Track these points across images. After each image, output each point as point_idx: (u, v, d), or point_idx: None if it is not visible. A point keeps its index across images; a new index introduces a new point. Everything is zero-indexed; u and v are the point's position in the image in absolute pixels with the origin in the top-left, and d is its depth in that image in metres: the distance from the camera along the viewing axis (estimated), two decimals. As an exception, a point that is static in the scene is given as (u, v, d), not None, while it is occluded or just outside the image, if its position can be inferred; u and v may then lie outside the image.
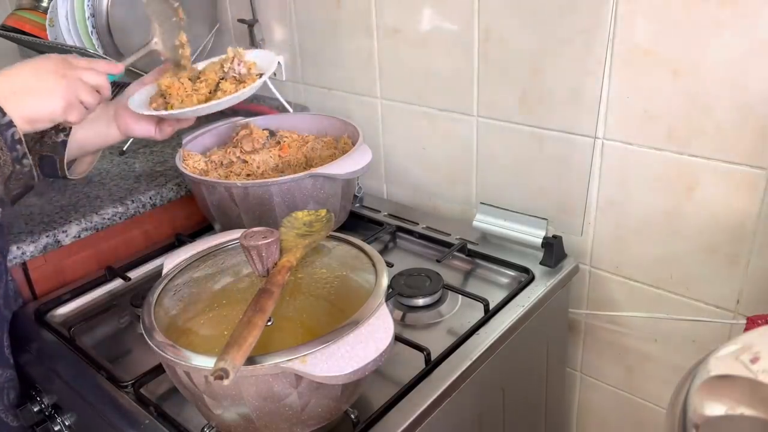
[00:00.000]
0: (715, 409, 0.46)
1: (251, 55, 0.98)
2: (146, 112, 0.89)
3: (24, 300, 1.00)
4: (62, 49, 1.31)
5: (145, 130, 0.92)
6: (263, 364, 0.57)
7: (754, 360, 0.47)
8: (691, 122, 0.84)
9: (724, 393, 0.46)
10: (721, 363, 0.48)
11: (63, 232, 0.98)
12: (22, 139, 0.68)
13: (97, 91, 0.78)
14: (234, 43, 1.39)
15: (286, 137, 1.12)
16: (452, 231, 1.06)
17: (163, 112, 0.88)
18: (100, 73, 0.79)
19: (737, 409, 0.45)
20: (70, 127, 0.87)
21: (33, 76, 0.72)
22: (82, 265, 1.05)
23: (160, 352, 0.61)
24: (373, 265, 0.71)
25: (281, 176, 0.96)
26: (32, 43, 1.39)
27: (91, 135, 0.90)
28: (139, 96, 0.93)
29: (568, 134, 0.95)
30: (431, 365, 0.77)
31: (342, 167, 0.94)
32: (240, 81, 0.94)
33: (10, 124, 0.67)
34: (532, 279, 0.93)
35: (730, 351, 0.49)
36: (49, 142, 0.87)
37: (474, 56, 1.01)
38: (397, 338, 0.77)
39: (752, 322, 0.81)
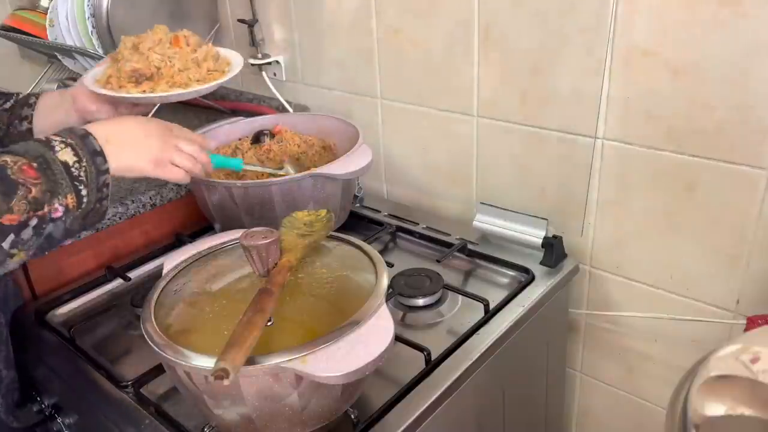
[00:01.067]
0: (715, 409, 0.46)
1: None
2: (103, 91, 0.86)
3: (24, 300, 1.00)
4: (62, 49, 1.31)
5: (104, 111, 0.89)
6: (263, 364, 0.57)
7: (754, 360, 0.47)
8: (691, 122, 0.84)
9: (724, 393, 0.46)
10: (721, 363, 0.48)
11: (63, 232, 0.98)
12: (110, 184, 0.71)
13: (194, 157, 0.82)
14: (234, 44, 1.39)
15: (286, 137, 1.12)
16: (452, 231, 1.06)
17: (126, 95, 0.86)
18: (195, 142, 0.83)
19: (737, 409, 0.45)
20: (32, 115, 0.88)
21: (141, 133, 0.77)
22: (82, 265, 1.05)
23: (160, 352, 0.61)
24: (373, 265, 0.71)
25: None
26: (32, 43, 1.39)
27: (48, 124, 0.88)
28: (94, 72, 0.90)
29: (568, 134, 0.95)
30: (431, 365, 0.77)
31: (342, 167, 0.94)
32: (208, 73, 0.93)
33: (106, 171, 0.70)
34: (532, 279, 0.93)
35: (730, 351, 0.49)
36: (15, 132, 0.87)
37: (474, 56, 1.01)
38: (397, 338, 0.77)
39: (752, 322, 0.81)
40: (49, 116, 0.89)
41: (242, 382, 0.59)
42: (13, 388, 0.90)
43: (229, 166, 0.96)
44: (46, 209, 0.63)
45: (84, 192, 0.67)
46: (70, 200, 0.66)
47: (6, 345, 0.89)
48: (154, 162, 0.77)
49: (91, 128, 0.72)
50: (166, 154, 0.78)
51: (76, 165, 0.67)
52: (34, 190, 0.63)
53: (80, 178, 0.67)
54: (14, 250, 0.62)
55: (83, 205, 0.68)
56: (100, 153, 0.70)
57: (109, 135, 0.72)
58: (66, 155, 0.66)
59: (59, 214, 0.65)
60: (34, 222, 0.63)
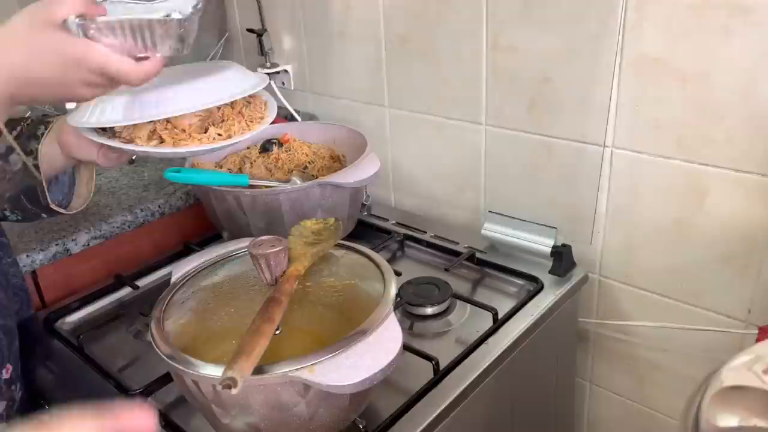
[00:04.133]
0: (727, 420, 0.45)
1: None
2: (95, 138, 0.75)
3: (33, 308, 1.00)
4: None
5: (87, 152, 0.80)
6: (271, 374, 0.57)
7: (767, 371, 0.47)
8: (701, 130, 0.83)
9: (736, 404, 0.46)
10: (733, 374, 0.48)
11: (72, 240, 0.99)
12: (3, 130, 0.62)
13: None
14: (243, 53, 1.40)
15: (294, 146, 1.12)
16: (460, 239, 1.06)
17: (116, 144, 0.75)
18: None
19: (750, 420, 0.45)
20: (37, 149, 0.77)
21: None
22: (90, 274, 1.05)
23: (168, 360, 0.61)
24: (381, 273, 0.71)
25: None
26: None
27: (46, 159, 0.79)
28: (82, 111, 0.76)
29: (577, 143, 0.95)
30: (440, 375, 0.77)
31: (350, 176, 0.94)
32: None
33: None
34: (541, 288, 0.93)
35: (742, 361, 0.49)
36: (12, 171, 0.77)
37: (482, 64, 1.01)
38: (406, 348, 0.77)
39: (764, 332, 0.81)
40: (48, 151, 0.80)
41: (250, 392, 0.59)
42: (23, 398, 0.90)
43: (235, 184, 0.96)
44: None
45: None
46: None
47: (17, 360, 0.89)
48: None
49: None
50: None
51: None
52: None
53: None
54: None
55: None
56: None
57: None
58: None
59: None
60: None
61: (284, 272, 0.68)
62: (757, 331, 0.86)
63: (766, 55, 0.75)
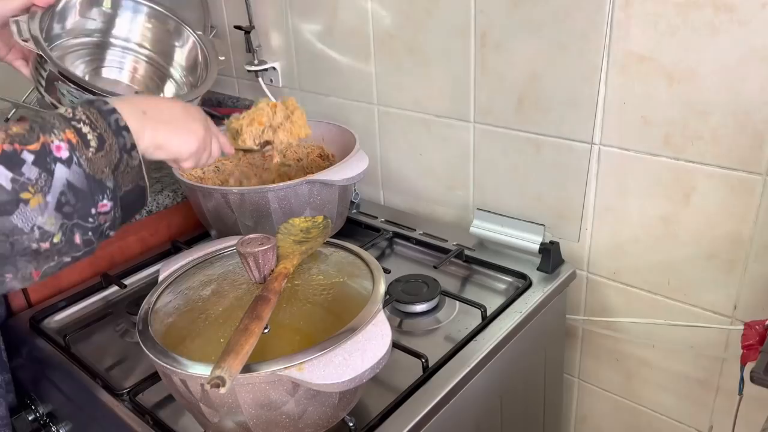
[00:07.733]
0: None
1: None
2: None
3: (15, 309, 0.99)
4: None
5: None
6: (260, 372, 0.57)
7: None
8: (688, 128, 0.84)
9: None
10: None
11: (58, 239, 0.98)
12: (129, 127, 0.60)
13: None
14: (230, 50, 1.39)
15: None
16: (449, 237, 1.06)
17: None
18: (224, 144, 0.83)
19: None
20: None
21: (182, 114, 0.70)
22: (77, 272, 1.04)
23: (156, 360, 0.60)
24: (370, 271, 0.71)
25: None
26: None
27: None
28: None
29: (565, 140, 0.95)
30: (429, 372, 0.77)
31: (338, 173, 0.94)
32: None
33: (113, 111, 0.59)
34: (529, 285, 0.93)
35: None
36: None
37: (471, 62, 1.01)
38: (395, 345, 0.77)
39: (750, 328, 0.81)
40: None
41: (238, 390, 0.58)
42: (8, 390, 0.89)
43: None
44: (39, 141, 0.53)
45: (86, 130, 0.56)
46: (71, 135, 0.55)
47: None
48: (196, 150, 0.71)
49: (118, 103, 0.61)
50: (205, 146, 0.73)
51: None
52: (15, 128, 0.53)
53: (78, 118, 0.57)
54: (23, 192, 0.51)
55: (92, 144, 0.56)
56: (125, 128, 0.60)
57: (147, 108, 0.64)
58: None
59: (63, 151, 0.54)
60: (29, 156, 0.52)
61: (273, 270, 0.68)
62: (743, 327, 0.87)
63: (752, 53, 0.76)
